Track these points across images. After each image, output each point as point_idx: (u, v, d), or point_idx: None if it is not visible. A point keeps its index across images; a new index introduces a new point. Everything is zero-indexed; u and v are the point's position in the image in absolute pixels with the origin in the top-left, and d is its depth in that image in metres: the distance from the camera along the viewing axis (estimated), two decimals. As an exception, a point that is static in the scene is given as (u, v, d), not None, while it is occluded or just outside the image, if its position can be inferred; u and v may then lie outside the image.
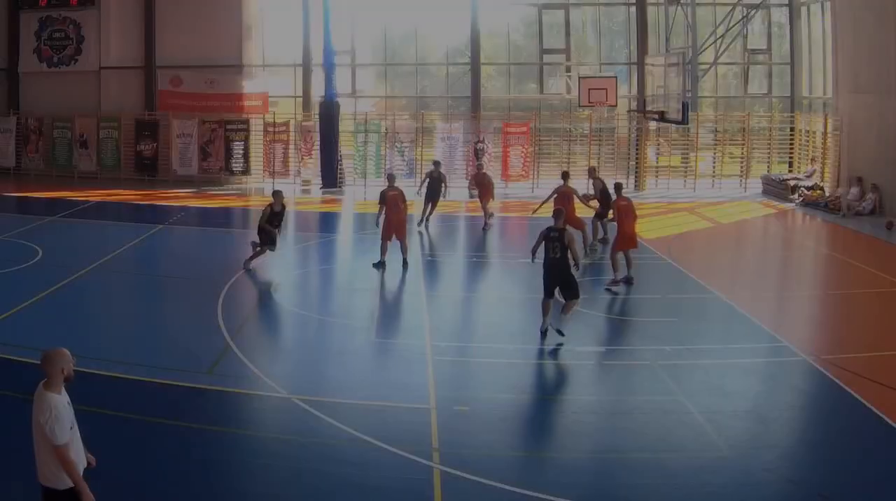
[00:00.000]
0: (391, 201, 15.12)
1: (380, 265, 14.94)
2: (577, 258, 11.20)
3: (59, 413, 5.08)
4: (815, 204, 22.50)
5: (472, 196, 22.86)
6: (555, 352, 10.68)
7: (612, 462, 7.85)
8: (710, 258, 17.28)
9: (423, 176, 20.31)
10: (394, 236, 15.07)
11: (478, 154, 25.84)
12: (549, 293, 11.06)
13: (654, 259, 16.13)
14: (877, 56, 20.95)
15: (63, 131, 27.65)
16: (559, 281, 11.00)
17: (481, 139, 25.94)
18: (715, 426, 8.41)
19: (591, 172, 18.59)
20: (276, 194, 15.30)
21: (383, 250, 14.97)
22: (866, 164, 21.72)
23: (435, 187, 19.24)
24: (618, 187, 15.03)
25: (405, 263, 15.17)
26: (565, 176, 17.34)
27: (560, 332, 10.77)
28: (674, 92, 18.73)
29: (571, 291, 11.02)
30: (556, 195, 16.51)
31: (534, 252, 11.30)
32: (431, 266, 16.26)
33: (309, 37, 26.91)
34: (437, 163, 20.13)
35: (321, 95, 25.89)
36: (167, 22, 27.34)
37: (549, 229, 11.10)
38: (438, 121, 27.06)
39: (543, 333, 10.98)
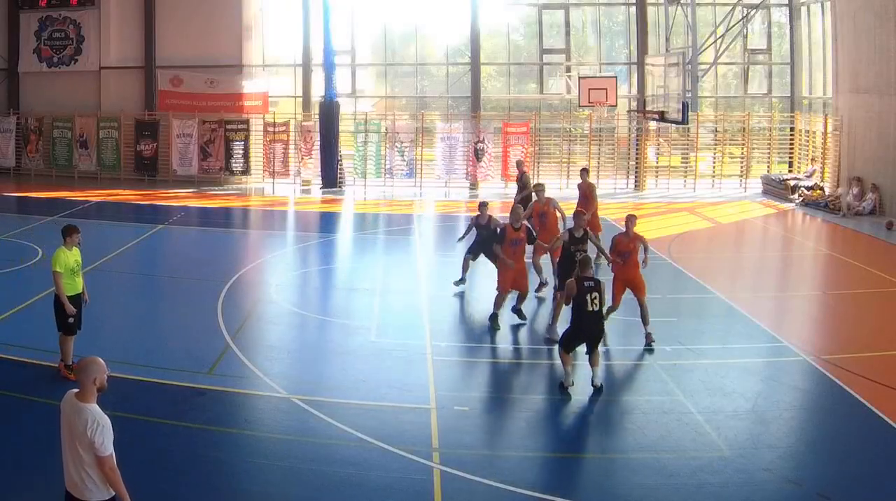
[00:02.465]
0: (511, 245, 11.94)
1: (494, 319, 11.84)
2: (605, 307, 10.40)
3: (104, 423, 5.11)
4: (815, 204, 22.51)
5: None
6: (550, 348, 10.69)
7: (612, 462, 7.85)
8: (710, 258, 17.28)
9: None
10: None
11: (478, 154, 25.85)
12: (572, 348, 9.55)
13: (655, 259, 16.05)
14: (877, 56, 20.96)
15: (63, 131, 27.65)
16: (595, 336, 9.49)
17: (481, 139, 25.95)
18: (715, 426, 8.42)
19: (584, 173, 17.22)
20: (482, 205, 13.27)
21: (498, 303, 11.89)
22: (866, 164, 21.72)
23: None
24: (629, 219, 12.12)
25: (520, 312, 12.16)
26: (585, 172, 17.03)
27: (601, 386, 9.47)
28: (674, 92, 18.75)
29: (598, 341, 9.63)
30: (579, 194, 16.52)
31: (567, 303, 9.57)
32: (431, 266, 16.26)
33: (309, 37, 26.91)
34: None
35: (321, 95, 25.89)
36: (167, 22, 27.36)
37: (583, 278, 9.41)
38: (438, 121, 27.06)
39: (567, 389, 9.36)
